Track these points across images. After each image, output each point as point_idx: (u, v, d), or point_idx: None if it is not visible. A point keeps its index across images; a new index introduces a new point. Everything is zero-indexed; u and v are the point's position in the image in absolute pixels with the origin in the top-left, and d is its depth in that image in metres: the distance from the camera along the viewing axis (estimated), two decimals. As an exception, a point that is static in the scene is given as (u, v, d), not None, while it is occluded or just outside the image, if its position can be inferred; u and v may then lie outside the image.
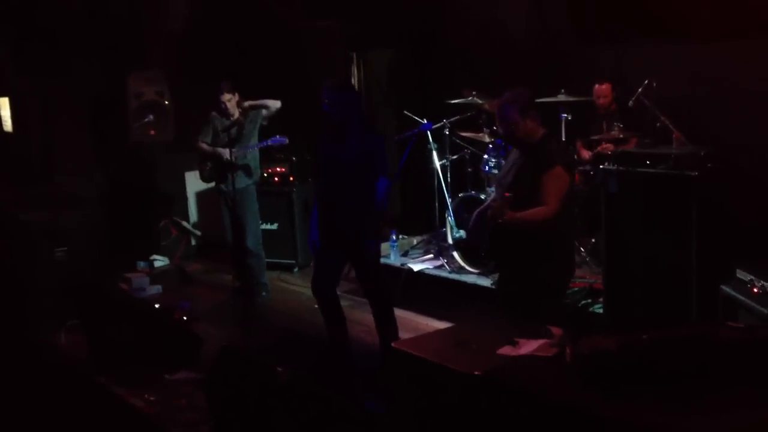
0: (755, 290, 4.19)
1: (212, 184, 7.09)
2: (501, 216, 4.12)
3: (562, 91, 6.20)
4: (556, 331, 3.40)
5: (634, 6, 5.60)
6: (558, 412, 2.80)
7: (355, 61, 8.78)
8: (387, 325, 5.30)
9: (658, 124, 5.65)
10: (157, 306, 6.34)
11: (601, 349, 2.86)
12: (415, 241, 7.52)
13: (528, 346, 3.34)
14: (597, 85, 6.32)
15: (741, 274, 4.36)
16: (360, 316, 6.27)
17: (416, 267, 6.84)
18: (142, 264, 7.93)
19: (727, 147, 5.27)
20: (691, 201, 4.81)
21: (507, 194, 4.12)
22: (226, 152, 6.60)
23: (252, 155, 6.88)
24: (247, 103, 6.80)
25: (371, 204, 4.99)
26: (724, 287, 4.42)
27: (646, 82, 5.75)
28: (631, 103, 5.98)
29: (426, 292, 6.61)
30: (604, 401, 2.72)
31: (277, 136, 6.73)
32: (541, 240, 4.18)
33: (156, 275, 7.73)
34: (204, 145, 6.88)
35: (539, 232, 4.16)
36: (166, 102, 8.16)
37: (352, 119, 5.01)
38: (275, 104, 6.85)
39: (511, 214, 4.11)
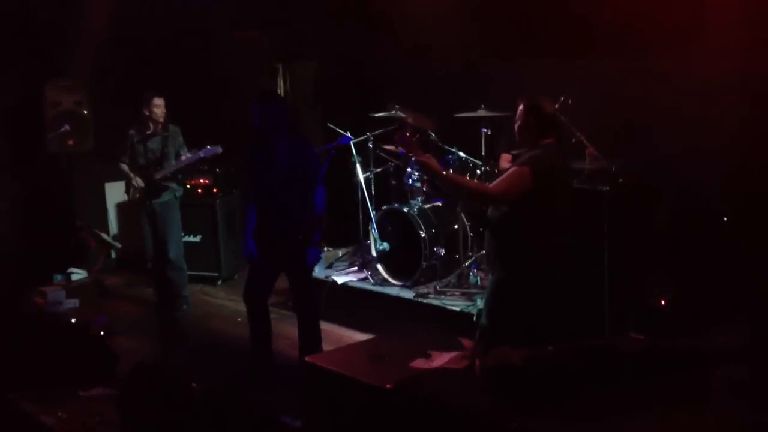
0: (663, 302, 4.34)
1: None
2: (410, 149, 4.04)
3: (483, 106, 6.30)
4: (467, 343, 3.45)
5: (541, 25, 5.75)
6: (465, 423, 2.84)
7: (281, 72, 8.76)
8: (310, 340, 5.30)
9: (573, 140, 5.79)
10: (73, 320, 6.19)
11: (509, 361, 2.92)
12: (339, 254, 7.53)
13: (440, 359, 3.39)
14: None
15: (650, 287, 4.51)
16: (284, 329, 6.25)
17: (340, 279, 6.84)
18: (58, 277, 7.74)
19: (639, 162, 5.46)
20: (602, 214, 4.94)
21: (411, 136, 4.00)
22: (139, 181, 6.63)
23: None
24: (184, 157, 6.68)
25: (307, 213, 5.04)
26: (634, 299, 4.56)
27: (562, 98, 5.89)
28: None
29: (350, 305, 6.61)
30: (509, 412, 2.78)
31: (209, 147, 6.64)
32: (519, 250, 4.05)
33: (73, 288, 7.55)
34: (124, 167, 6.76)
35: (505, 234, 4.08)
36: (85, 112, 7.97)
37: (280, 129, 5.04)
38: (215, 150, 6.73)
39: (428, 157, 4.00)
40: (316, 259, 5.31)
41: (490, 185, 4.08)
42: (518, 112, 4.22)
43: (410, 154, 4.01)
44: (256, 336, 5.39)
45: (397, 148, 4.02)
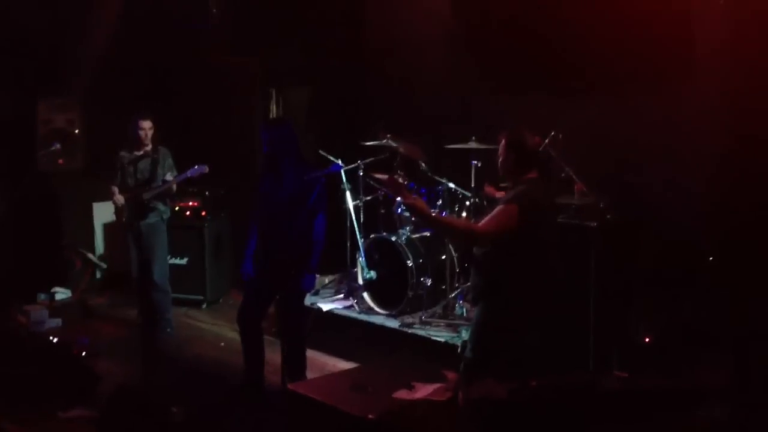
0: (647, 339, 4.35)
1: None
2: (396, 192, 4.07)
3: (473, 138, 6.34)
4: (450, 375, 3.45)
5: (533, 61, 5.81)
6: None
7: (273, 97, 8.79)
8: (295, 366, 5.29)
9: (562, 174, 5.83)
10: (54, 340, 6.14)
11: (492, 395, 2.92)
12: (326, 281, 7.50)
13: (423, 391, 3.38)
14: None
15: (635, 323, 4.53)
16: (268, 355, 6.21)
17: (326, 306, 6.82)
18: (42, 296, 7.68)
19: (627, 198, 5.50)
20: (590, 250, 4.96)
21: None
22: (120, 199, 6.65)
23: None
24: (171, 177, 6.69)
25: (306, 238, 5.09)
26: (618, 335, 4.58)
27: (552, 133, 5.93)
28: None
29: (334, 332, 6.59)
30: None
31: (196, 166, 6.65)
32: (504, 287, 4.06)
33: (57, 308, 7.49)
34: (114, 189, 6.77)
35: (491, 271, 4.10)
36: (77, 131, 7.97)
37: (287, 155, 5.14)
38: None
39: (416, 199, 4.02)
40: (311, 285, 5.38)
41: (478, 225, 4.10)
42: (500, 146, 4.27)
43: (398, 197, 4.04)
44: (248, 358, 5.40)
45: (385, 191, 4.08)
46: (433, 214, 4.12)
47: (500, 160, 4.29)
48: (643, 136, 5.75)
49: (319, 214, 5.15)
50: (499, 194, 6.57)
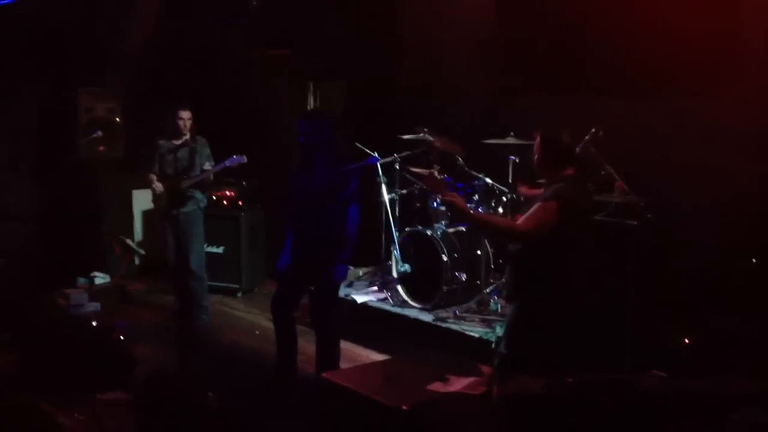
0: (686, 340, 4.30)
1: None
2: (436, 190, 4.08)
3: (511, 133, 6.30)
4: (485, 369, 3.44)
5: (575, 58, 5.76)
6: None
7: (311, 90, 8.83)
8: (327, 357, 5.31)
9: (602, 172, 5.77)
10: (94, 323, 6.23)
11: (527, 390, 2.90)
12: (360, 273, 7.53)
13: (458, 384, 3.38)
14: None
15: (673, 324, 4.47)
16: (301, 345, 6.25)
17: (360, 298, 6.85)
18: (82, 280, 7.80)
19: (669, 198, 5.43)
20: (628, 249, 4.91)
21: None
22: (159, 186, 6.75)
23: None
24: (209, 166, 6.76)
25: (339, 231, 5.09)
26: (656, 336, 4.52)
27: (593, 130, 5.88)
28: (577, 150, 6.11)
29: (368, 324, 6.61)
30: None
31: (234, 156, 6.72)
32: (539, 285, 4.05)
33: (96, 292, 7.59)
34: (152, 177, 6.85)
35: (527, 267, 4.08)
36: (117, 119, 8.09)
37: (323, 147, 5.13)
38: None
39: (454, 196, 4.04)
40: (343, 276, 5.38)
41: (518, 222, 4.08)
42: (535, 144, 4.25)
43: (437, 194, 4.04)
44: (280, 346, 5.44)
45: (422, 186, 4.09)
46: (472, 212, 4.10)
47: (536, 157, 4.26)
48: (684, 135, 5.68)
49: (352, 207, 5.15)
50: (533, 192, 6.54)
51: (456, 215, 4.48)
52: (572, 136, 4.34)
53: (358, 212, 5.20)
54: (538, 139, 4.23)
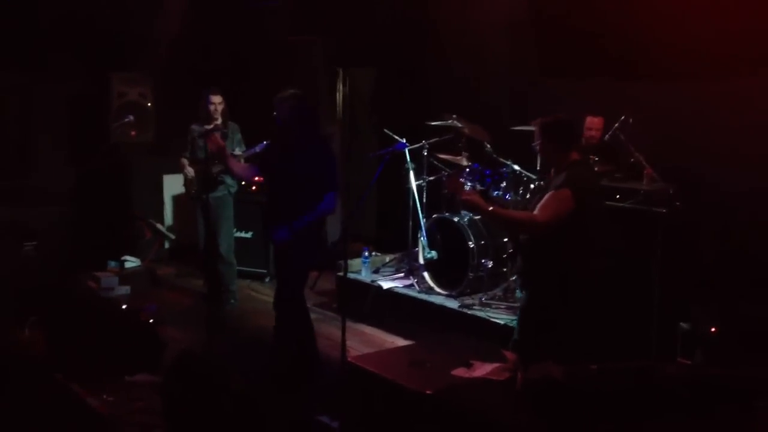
0: (712, 329, 4.26)
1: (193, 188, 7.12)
2: (455, 190, 4.11)
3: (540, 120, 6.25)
4: (509, 355, 3.44)
5: (599, 45, 5.70)
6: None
7: (340, 76, 8.84)
8: (284, 342, 5.31)
9: (631, 160, 5.72)
10: (123, 306, 6.31)
11: (550, 377, 2.90)
12: (387, 259, 7.54)
13: (482, 369, 3.38)
14: (590, 117, 6.35)
15: (699, 313, 4.44)
16: (327, 329, 6.29)
17: (386, 284, 6.86)
18: (112, 264, 7.89)
19: (698, 186, 5.37)
20: (656, 237, 4.87)
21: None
22: (190, 171, 6.81)
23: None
24: (240, 152, 6.80)
25: (308, 214, 5.00)
26: (682, 324, 4.49)
27: (622, 117, 5.83)
28: (607, 137, 6.07)
29: (394, 310, 6.63)
30: (546, 429, 2.76)
31: (265, 142, 6.74)
32: (552, 273, 4.09)
33: (126, 276, 7.69)
34: (184, 161, 6.91)
35: (549, 264, 4.08)
36: (149, 104, 8.17)
37: (300, 130, 5.06)
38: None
39: (471, 195, 4.10)
40: (280, 238, 5.10)
41: (536, 214, 4.06)
42: (535, 133, 4.23)
43: (456, 195, 4.07)
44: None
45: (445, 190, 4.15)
46: (491, 209, 4.11)
47: (538, 147, 4.26)
48: (717, 123, 5.61)
49: (330, 192, 5.03)
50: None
51: (476, 213, 4.50)
52: (570, 120, 4.34)
53: (334, 200, 5.07)
54: (537, 128, 4.23)
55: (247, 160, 6.89)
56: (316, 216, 5.09)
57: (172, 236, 8.69)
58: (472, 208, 4.16)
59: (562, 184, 4.01)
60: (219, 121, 6.81)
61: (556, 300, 4.00)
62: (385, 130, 7.06)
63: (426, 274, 6.65)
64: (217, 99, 6.77)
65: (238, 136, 6.90)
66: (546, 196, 4.07)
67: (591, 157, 6.15)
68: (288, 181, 5.06)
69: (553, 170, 4.30)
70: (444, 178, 4.22)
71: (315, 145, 5.11)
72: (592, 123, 6.31)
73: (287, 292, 5.28)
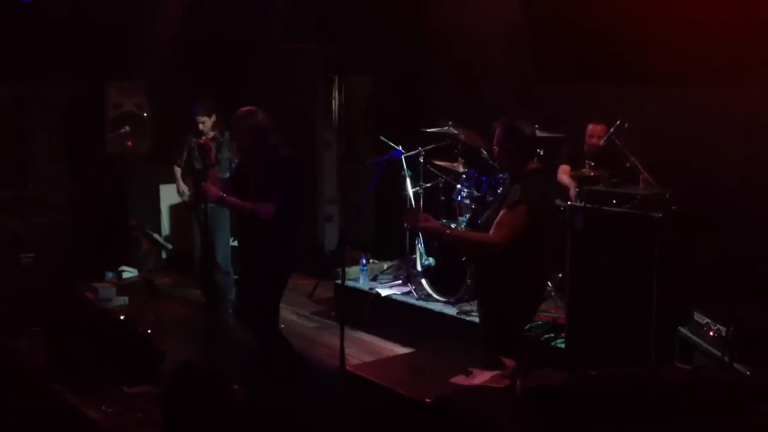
0: (711, 333, 4.26)
1: (186, 198, 7.13)
2: (411, 224, 4.12)
3: (536, 126, 6.26)
4: (509, 362, 3.44)
5: (596, 50, 5.71)
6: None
7: (336, 83, 8.86)
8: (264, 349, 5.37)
9: (627, 164, 5.73)
10: (121, 317, 6.31)
11: (550, 383, 2.90)
12: (385, 266, 7.55)
13: (481, 377, 3.38)
14: (592, 125, 6.35)
15: (698, 317, 4.43)
16: (325, 338, 6.29)
17: (384, 292, 6.86)
18: (110, 274, 7.90)
19: (694, 190, 5.38)
20: (653, 241, 4.87)
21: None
22: (184, 186, 6.91)
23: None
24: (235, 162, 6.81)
25: (267, 228, 4.96)
26: (681, 329, 4.49)
27: (618, 122, 5.84)
28: (602, 142, 6.09)
29: (392, 318, 6.63)
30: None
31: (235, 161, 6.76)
32: (501, 272, 4.15)
33: (123, 286, 7.70)
34: (177, 170, 6.92)
35: (493, 264, 4.12)
36: (145, 114, 8.17)
37: (253, 143, 5.03)
38: None
39: (426, 223, 4.10)
40: (267, 280, 5.15)
41: (492, 234, 4.03)
42: (496, 136, 4.15)
43: (413, 228, 4.13)
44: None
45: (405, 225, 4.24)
46: (448, 232, 4.15)
47: (497, 151, 4.17)
48: (713, 127, 5.62)
49: (270, 203, 4.91)
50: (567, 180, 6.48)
51: (433, 239, 4.53)
52: (534, 126, 4.31)
53: (272, 210, 4.90)
54: (498, 130, 4.13)
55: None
56: (248, 210, 5.00)
57: (169, 246, 8.70)
58: (431, 235, 4.18)
59: (519, 200, 3.95)
60: (211, 135, 6.82)
61: (507, 305, 4.11)
62: (381, 138, 7.07)
63: (424, 281, 6.65)
64: (202, 119, 6.77)
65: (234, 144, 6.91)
66: (501, 214, 4.01)
67: (586, 162, 6.18)
68: (245, 196, 5.04)
69: (508, 177, 4.28)
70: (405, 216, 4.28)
71: (268, 166, 5.00)
72: (594, 131, 6.33)
73: (258, 318, 5.32)
